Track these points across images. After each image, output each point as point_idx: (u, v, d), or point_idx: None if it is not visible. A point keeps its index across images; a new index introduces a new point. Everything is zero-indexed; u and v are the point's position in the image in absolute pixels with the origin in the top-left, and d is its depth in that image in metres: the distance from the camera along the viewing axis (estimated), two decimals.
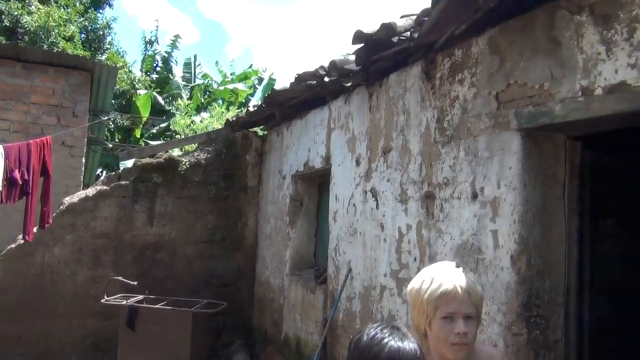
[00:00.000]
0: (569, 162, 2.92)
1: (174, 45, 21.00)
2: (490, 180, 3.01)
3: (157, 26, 20.84)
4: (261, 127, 7.22)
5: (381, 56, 3.75)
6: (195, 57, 20.74)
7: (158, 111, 17.53)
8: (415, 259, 3.66)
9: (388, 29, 3.65)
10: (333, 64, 4.53)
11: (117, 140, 16.55)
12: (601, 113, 2.40)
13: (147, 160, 6.70)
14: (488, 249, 2.99)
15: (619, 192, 3.08)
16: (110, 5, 17.75)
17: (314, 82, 4.88)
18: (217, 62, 21.72)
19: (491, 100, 3.06)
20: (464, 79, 3.29)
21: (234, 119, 7.13)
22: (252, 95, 19.00)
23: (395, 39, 3.64)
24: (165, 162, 6.63)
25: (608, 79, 2.38)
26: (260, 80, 19.66)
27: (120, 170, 7.11)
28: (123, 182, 6.64)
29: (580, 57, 2.52)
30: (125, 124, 16.11)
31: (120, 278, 6.03)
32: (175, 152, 7.87)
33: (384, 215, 4.07)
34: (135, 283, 5.98)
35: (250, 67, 20.82)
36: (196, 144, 7.23)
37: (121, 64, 15.51)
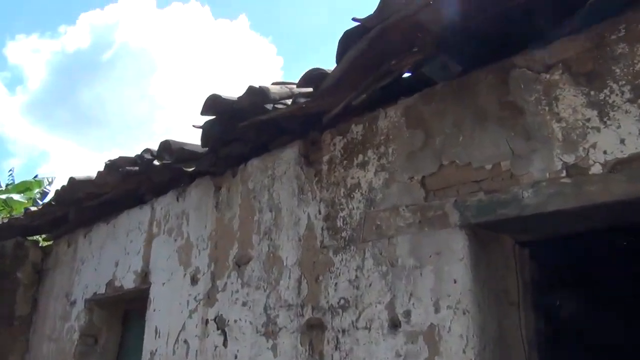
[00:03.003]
0: (520, 275, 2.14)
1: None
2: (420, 300, 2.07)
3: None
4: (44, 235, 5.45)
5: (247, 126, 2.74)
6: None
7: None
8: None
9: (258, 95, 2.71)
10: (166, 144, 3.37)
11: None
12: (606, 198, 1.68)
13: None
14: None
15: (573, 314, 2.38)
16: None
17: (136, 168, 3.62)
18: None
19: (414, 187, 2.21)
20: (368, 162, 2.43)
21: (5, 221, 5.27)
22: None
23: (270, 107, 2.69)
24: None
25: (610, 151, 1.70)
26: (44, 194, 16.68)
27: None
28: None
29: (556, 125, 1.85)
30: None
31: None
32: None
33: (236, 357, 2.80)
34: None
35: (35, 177, 17.79)
36: None
37: None
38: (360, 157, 2.47)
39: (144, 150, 3.65)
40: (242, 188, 3.09)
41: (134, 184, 3.91)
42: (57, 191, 4.43)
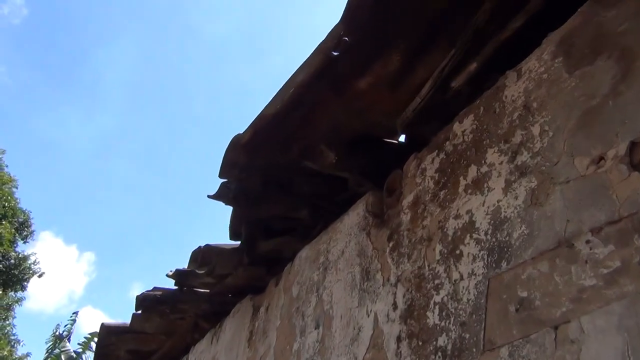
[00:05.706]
0: None
1: (86, 346, 17.50)
2: None
3: (75, 319, 17.74)
4: None
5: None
6: None
7: None
8: None
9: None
10: (196, 253, 2.27)
11: None
12: None
13: None
14: None
15: None
16: (23, 287, 15.11)
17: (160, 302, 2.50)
18: None
19: (611, 177, 0.81)
20: (489, 174, 1.09)
21: None
22: None
23: None
24: None
25: None
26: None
27: None
28: None
29: None
30: None
31: None
32: None
33: None
34: None
35: None
36: None
37: None
38: (473, 169, 1.14)
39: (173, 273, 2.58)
40: (284, 300, 1.81)
41: (176, 327, 2.78)
42: (95, 352, 3.39)
